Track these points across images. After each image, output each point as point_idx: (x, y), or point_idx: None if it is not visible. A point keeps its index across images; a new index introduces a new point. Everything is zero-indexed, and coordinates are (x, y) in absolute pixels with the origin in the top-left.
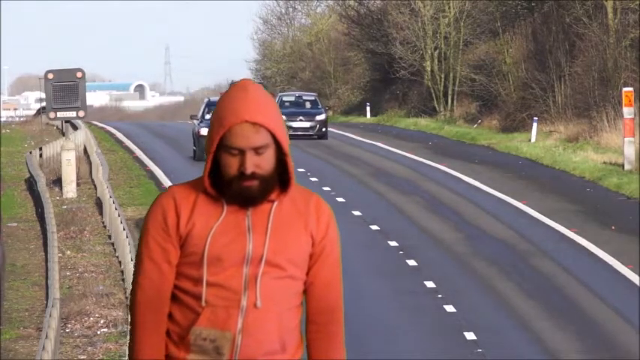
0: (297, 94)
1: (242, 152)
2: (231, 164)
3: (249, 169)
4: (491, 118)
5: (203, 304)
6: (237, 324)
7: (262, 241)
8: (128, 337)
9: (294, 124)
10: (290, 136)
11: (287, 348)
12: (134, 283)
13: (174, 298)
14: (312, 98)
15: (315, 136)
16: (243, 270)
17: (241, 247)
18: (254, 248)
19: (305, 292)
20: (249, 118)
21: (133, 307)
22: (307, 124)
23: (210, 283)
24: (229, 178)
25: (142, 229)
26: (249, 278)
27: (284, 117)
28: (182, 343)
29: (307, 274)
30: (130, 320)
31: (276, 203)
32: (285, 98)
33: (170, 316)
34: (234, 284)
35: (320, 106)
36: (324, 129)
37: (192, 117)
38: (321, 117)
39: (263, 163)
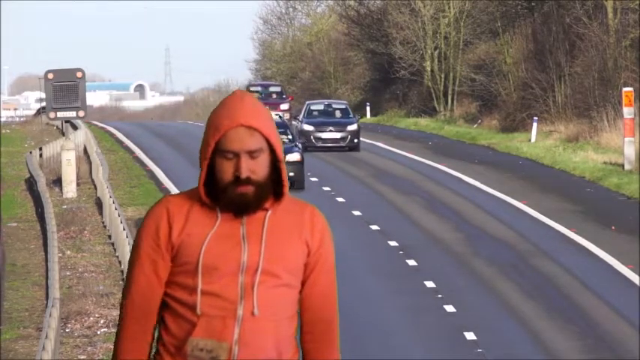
0: (327, 102)
1: (237, 156)
2: (226, 169)
3: (244, 172)
4: (491, 118)
5: (198, 312)
6: (233, 334)
7: (257, 249)
8: (114, 343)
9: (324, 135)
10: (319, 147)
11: (283, 356)
12: (124, 291)
13: (169, 308)
14: (343, 107)
15: (347, 148)
16: (238, 279)
17: (236, 256)
18: (249, 257)
19: (300, 302)
20: (244, 122)
21: (120, 315)
22: (338, 135)
23: (205, 292)
24: (224, 184)
25: (134, 238)
26: (245, 287)
27: (312, 127)
28: (178, 354)
29: (303, 284)
30: (117, 328)
31: (270, 212)
32: (313, 107)
33: (165, 326)
34: (229, 294)
35: (351, 115)
36: (355, 140)
37: None
38: (353, 127)
39: (258, 169)
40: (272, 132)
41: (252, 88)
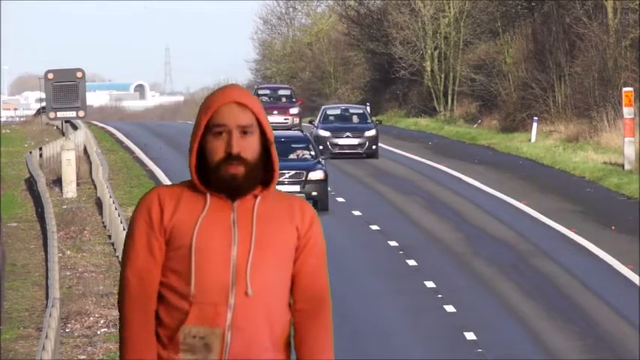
0: (343, 106)
1: (228, 133)
2: (218, 147)
3: (236, 148)
4: (491, 118)
5: (192, 291)
6: (226, 320)
7: (248, 235)
8: (118, 334)
9: (340, 141)
10: (335, 154)
11: (277, 344)
12: (121, 278)
13: (162, 300)
14: (361, 111)
15: (364, 155)
16: (230, 265)
17: (227, 242)
18: (240, 243)
19: (292, 284)
20: (237, 99)
21: (121, 303)
22: (355, 141)
23: (198, 278)
24: (216, 163)
25: (128, 225)
26: (237, 272)
27: (328, 133)
28: (171, 344)
29: (293, 266)
30: (119, 317)
31: (260, 197)
32: (329, 112)
33: (158, 319)
34: (221, 280)
35: (369, 121)
36: (374, 146)
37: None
38: (371, 133)
39: (248, 148)
40: (262, 112)
41: (260, 92)
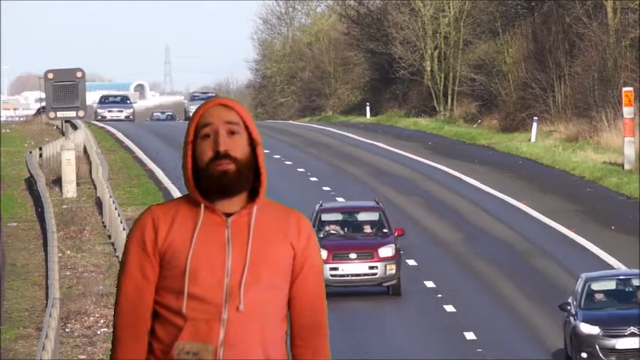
0: (619, 274)
1: (216, 133)
2: (206, 148)
3: (223, 146)
4: (491, 117)
5: (184, 310)
6: (218, 336)
7: (243, 252)
8: (109, 354)
9: (619, 344)
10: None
11: (271, 357)
12: (115, 302)
13: (158, 316)
14: None
15: None
16: (224, 281)
17: (222, 259)
18: (234, 259)
19: (289, 306)
20: (222, 101)
21: (115, 325)
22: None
23: (191, 296)
24: (205, 164)
25: (124, 246)
26: (231, 290)
27: (597, 329)
28: (166, 359)
29: (291, 288)
30: (112, 336)
31: (255, 213)
32: (595, 285)
33: (155, 335)
34: (215, 297)
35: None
36: None
37: None
38: None
39: (237, 147)
40: (247, 115)
41: (324, 216)
